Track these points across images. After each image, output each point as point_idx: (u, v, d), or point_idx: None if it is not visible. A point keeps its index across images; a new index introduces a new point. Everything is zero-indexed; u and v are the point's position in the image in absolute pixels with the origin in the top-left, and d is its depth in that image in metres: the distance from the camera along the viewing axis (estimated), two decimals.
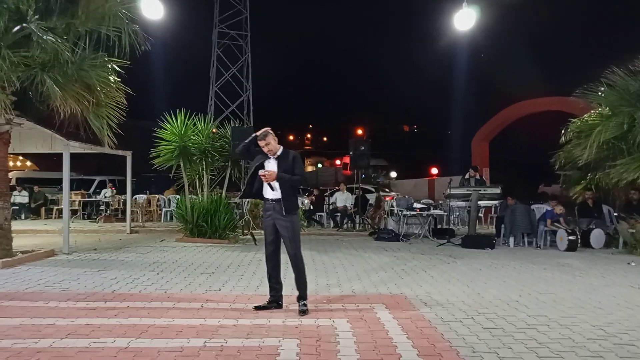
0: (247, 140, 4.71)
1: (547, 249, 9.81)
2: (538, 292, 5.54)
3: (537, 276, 6.64)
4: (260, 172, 4.49)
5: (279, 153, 4.59)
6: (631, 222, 9.78)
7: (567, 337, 3.86)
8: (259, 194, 4.65)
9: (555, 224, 9.97)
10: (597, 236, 9.79)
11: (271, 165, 4.56)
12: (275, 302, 4.67)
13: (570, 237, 9.42)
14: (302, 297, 4.58)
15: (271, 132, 4.58)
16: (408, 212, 11.48)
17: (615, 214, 10.66)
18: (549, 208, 10.44)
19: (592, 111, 10.46)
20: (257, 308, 4.59)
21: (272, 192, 4.54)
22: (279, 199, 4.48)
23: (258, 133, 4.61)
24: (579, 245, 9.55)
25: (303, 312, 4.48)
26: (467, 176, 11.88)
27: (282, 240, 4.61)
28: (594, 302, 5.10)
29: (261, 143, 4.54)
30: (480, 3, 9.01)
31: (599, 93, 9.89)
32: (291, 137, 58.61)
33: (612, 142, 9.41)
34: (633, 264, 7.84)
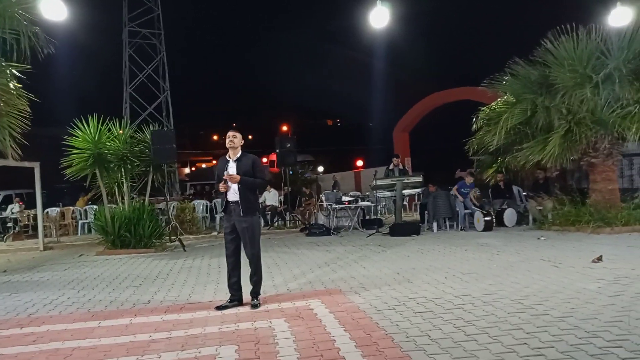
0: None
1: (467, 230, 10.44)
2: (461, 273, 5.88)
3: (459, 257, 7.05)
4: (226, 174, 4.69)
5: (238, 156, 4.81)
6: (538, 200, 10.69)
7: (490, 314, 4.13)
8: (224, 197, 4.81)
9: (464, 196, 10.52)
10: (509, 215, 10.56)
11: (230, 168, 4.76)
12: (236, 299, 4.81)
13: (486, 218, 10.09)
14: (256, 292, 4.81)
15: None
16: (337, 206, 11.68)
17: (524, 193, 11.56)
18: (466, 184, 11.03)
19: (498, 99, 11.22)
20: (218, 308, 4.71)
21: (232, 195, 4.74)
22: (238, 200, 4.70)
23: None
24: (494, 224, 10.25)
25: (256, 305, 4.69)
26: (391, 166, 12.30)
27: (241, 240, 4.79)
28: (511, 277, 5.50)
29: (229, 133, 4.79)
30: (392, 1, 9.30)
31: (504, 82, 10.63)
32: (215, 137, 57.19)
33: (518, 127, 10.13)
34: (542, 238, 8.55)
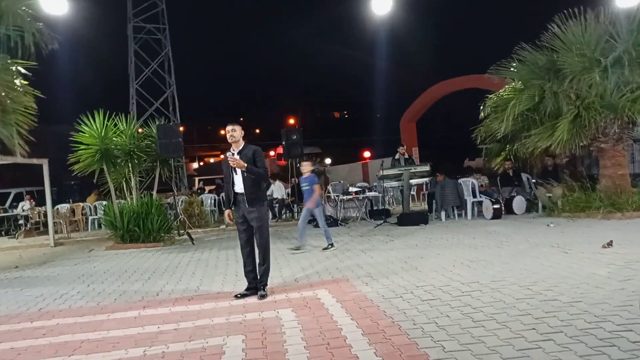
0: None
1: (476, 219, 10.36)
2: (469, 260, 5.84)
3: (467, 245, 7.01)
4: (229, 156, 4.71)
5: (240, 148, 4.82)
6: (548, 187, 10.57)
7: (499, 300, 4.10)
8: (231, 189, 4.87)
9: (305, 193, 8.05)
10: (518, 203, 10.47)
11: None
12: (253, 287, 4.88)
13: (495, 206, 10.01)
14: (263, 282, 4.86)
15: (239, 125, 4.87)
16: (344, 197, 11.66)
17: (533, 180, 11.45)
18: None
19: (506, 86, 11.08)
20: (237, 297, 4.78)
21: (238, 186, 4.81)
22: (243, 192, 4.77)
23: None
24: (503, 212, 10.17)
25: (263, 296, 4.74)
26: (396, 156, 12.21)
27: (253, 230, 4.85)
28: (520, 264, 5.45)
29: (228, 128, 4.78)
30: None
31: (511, 69, 10.49)
32: (222, 132, 57.44)
33: (525, 114, 10.01)
34: (552, 225, 8.47)
